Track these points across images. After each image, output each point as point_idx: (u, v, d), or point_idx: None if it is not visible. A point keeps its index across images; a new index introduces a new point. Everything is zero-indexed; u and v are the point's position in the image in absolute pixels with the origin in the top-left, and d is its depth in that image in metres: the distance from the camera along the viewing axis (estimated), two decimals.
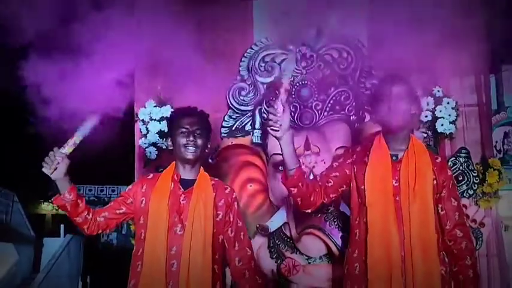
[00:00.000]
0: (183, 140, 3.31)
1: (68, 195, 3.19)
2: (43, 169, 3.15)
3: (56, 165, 3.13)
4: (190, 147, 3.30)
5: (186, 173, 3.40)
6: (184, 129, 3.33)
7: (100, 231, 3.41)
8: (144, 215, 3.31)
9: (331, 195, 3.33)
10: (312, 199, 3.22)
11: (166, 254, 3.16)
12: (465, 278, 3.14)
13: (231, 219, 3.40)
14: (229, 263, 3.44)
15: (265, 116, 4.56)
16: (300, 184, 3.12)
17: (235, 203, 3.47)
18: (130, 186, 3.51)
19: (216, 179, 3.59)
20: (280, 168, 4.36)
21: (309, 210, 3.35)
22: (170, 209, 3.25)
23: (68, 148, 3.20)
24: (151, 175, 3.53)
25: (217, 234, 3.32)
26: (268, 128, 2.99)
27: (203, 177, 3.42)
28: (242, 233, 3.44)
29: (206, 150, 3.46)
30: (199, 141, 3.33)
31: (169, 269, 3.14)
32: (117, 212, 3.40)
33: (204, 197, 3.31)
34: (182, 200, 3.30)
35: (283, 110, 2.92)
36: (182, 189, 3.34)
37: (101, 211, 3.40)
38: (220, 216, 3.35)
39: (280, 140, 2.98)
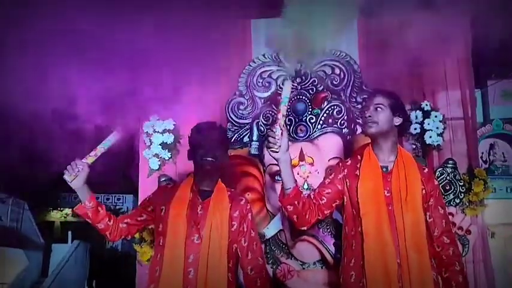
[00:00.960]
0: (201, 152, 3.32)
1: (88, 203, 3.26)
2: (64, 176, 3.20)
3: (76, 173, 3.18)
4: (208, 158, 3.31)
5: (205, 184, 3.41)
6: (203, 143, 3.34)
7: (122, 237, 3.46)
8: (163, 222, 3.31)
9: (325, 212, 3.35)
10: (307, 217, 3.24)
11: (184, 262, 3.17)
12: (456, 284, 3.16)
13: (245, 229, 3.41)
14: (242, 271, 3.44)
15: (262, 129, 4.59)
16: (296, 202, 3.15)
17: (250, 214, 3.47)
18: (150, 195, 3.53)
19: (232, 189, 3.60)
20: (277, 178, 4.38)
21: (305, 228, 3.37)
22: (188, 218, 3.26)
23: (89, 159, 3.26)
24: (172, 184, 3.55)
25: (232, 244, 3.32)
26: (268, 150, 3.06)
27: (220, 188, 3.43)
28: (255, 243, 3.44)
29: (223, 162, 3.47)
30: (217, 153, 3.34)
31: (187, 276, 3.14)
32: (139, 219, 3.44)
33: (221, 208, 3.32)
34: (200, 210, 3.30)
35: (281, 133, 3.00)
36: (200, 200, 3.35)
37: (123, 218, 3.44)
38: (235, 227, 3.35)
39: (279, 160, 3.06)
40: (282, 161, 3.05)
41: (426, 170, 3.39)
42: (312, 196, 3.34)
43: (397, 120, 3.30)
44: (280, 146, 3.00)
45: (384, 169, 3.27)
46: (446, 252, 3.21)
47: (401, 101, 3.43)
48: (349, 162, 3.43)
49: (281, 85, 4.55)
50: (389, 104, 3.29)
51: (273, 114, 4.58)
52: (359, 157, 3.38)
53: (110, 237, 3.38)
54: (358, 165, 3.32)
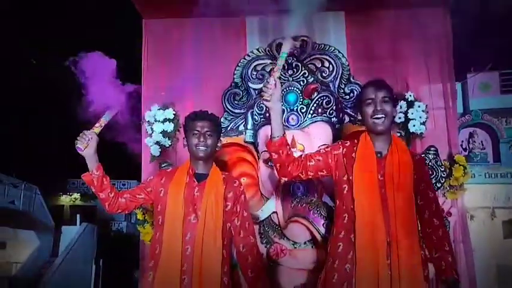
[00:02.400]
0: (195, 141, 3.35)
1: (96, 171, 3.28)
2: (77, 145, 3.21)
3: (88, 142, 3.21)
4: (201, 147, 3.33)
5: (200, 168, 3.41)
6: (196, 131, 3.36)
7: (119, 210, 3.47)
8: (162, 203, 3.34)
9: (309, 173, 3.32)
10: (289, 168, 3.24)
11: (182, 240, 3.19)
12: (446, 264, 3.15)
13: (238, 209, 3.42)
14: (235, 249, 3.45)
15: (257, 118, 4.58)
16: (280, 151, 3.16)
17: (243, 195, 3.48)
18: (151, 177, 3.54)
19: (226, 173, 3.63)
20: (270, 163, 4.37)
21: (286, 179, 3.45)
22: (185, 199, 3.28)
23: (96, 129, 3.29)
24: (170, 169, 3.58)
25: (226, 223, 3.33)
26: (262, 98, 3.10)
27: (215, 171, 3.43)
28: (247, 222, 3.45)
29: (217, 149, 3.49)
30: (209, 141, 3.36)
31: (184, 253, 3.17)
32: (137, 196, 3.44)
33: (216, 190, 3.33)
34: (196, 192, 3.31)
35: (275, 84, 3.04)
36: (196, 182, 3.36)
37: (124, 193, 3.45)
38: (229, 207, 3.36)
39: (271, 109, 3.09)
40: (273, 109, 3.09)
41: (417, 157, 3.37)
42: (302, 156, 3.33)
43: (394, 111, 3.28)
44: (271, 95, 3.03)
45: (378, 154, 3.24)
46: (436, 234, 3.19)
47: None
48: (348, 143, 3.38)
49: None
50: (390, 96, 3.26)
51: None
52: (356, 141, 3.35)
53: (107, 208, 3.40)
54: (355, 148, 3.29)
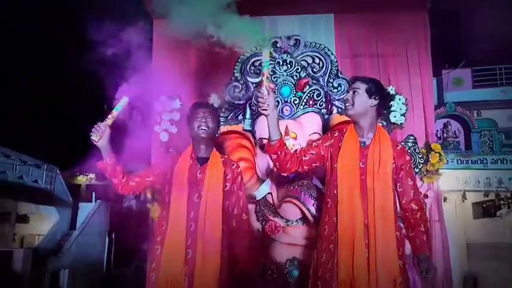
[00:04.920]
0: (197, 123, 3.37)
1: (109, 160, 3.28)
2: (91, 137, 3.21)
3: (101, 133, 3.19)
4: (202, 128, 3.36)
5: (202, 152, 3.43)
6: (198, 116, 3.38)
7: (131, 192, 3.48)
8: (168, 185, 3.35)
9: (305, 167, 3.35)
10: (287, 166, 3.28)
11: (186, 217, 3.22)
12: (420, 242, 3.15)
13: (235, 189, 3.44)
14: (229, 223, 3.44)
15: (254, 108, 4.57)
16: (279, 152, 3.20)
17: (239, 177, 3.50)
18: (158, 161, 3.58)
19: (226, 156, 3.64)
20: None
21: (285, 174, 3.44)
22: (189, 181, 3.30)
23: (109, 121, 3.25)
24: (175, 153, 3.57)
25: (225, 201, 3.36)
26: (259, 109, 3.12)
27: (215, 155, 3.45)
28: (241, 201, 3.46)
29: (216, 135, 3.54)
30: (210, 124, 3.38)
31: (189, 229, 3.20)
32: (146, 179, 3.45)
33: (216, 172, 3.36)
34: (199, 174, 3.33)
35: (268, 93, 3.07)
36: (199, 165, 3.38)
37: (134, 177, 3.45)
38: (228, 187, 3.39)
39: (268, 117, 3.11)
40: (270, 116, 3.12)
41: (399, 146, 3.35)
42: (297, 151, 3.34)
43: (373, 102, 3.25)
44: (268, 105, 3.06)
45: (362, 144, 3.23)
46: (413, 217, 3.19)
47: (380, 85, 3.35)
48: (337, 133, 3.38)
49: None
50: (365, 88, 3.24)
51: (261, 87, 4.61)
52: (344, 130, 3.35)
53: (120, 192, 3.41)
54: (342, 138, 3.29)
